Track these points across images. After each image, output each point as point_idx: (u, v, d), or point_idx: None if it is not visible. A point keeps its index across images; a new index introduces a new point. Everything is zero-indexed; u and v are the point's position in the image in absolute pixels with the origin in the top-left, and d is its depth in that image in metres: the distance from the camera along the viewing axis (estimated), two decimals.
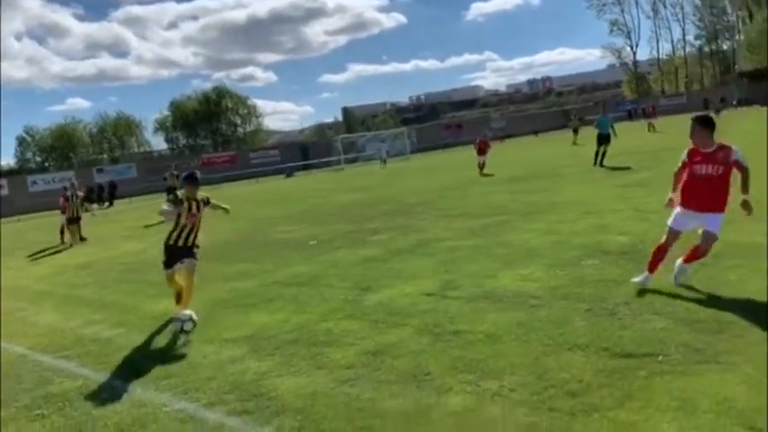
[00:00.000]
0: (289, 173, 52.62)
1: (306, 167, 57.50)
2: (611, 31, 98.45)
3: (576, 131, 35.11)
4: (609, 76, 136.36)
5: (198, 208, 6.84)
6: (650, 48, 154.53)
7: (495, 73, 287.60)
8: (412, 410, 3.84)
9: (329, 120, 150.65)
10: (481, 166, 22.68)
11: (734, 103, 59.29)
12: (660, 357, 4.12)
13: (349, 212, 16.15)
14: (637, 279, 5.76)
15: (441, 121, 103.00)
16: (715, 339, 4.30)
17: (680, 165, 5.66)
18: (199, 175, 6.93)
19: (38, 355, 6.37)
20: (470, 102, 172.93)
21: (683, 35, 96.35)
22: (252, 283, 8.52)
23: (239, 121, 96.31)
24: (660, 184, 13.15)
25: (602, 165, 18.55)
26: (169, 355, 5.72)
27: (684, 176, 5.65)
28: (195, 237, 6.88)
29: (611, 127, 19.93)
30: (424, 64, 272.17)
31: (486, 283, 6.71)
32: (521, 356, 4.48)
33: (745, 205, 5.28)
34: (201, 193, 7.03)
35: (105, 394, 4.90)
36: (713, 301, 5.11)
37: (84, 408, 4.66)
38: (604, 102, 51.11)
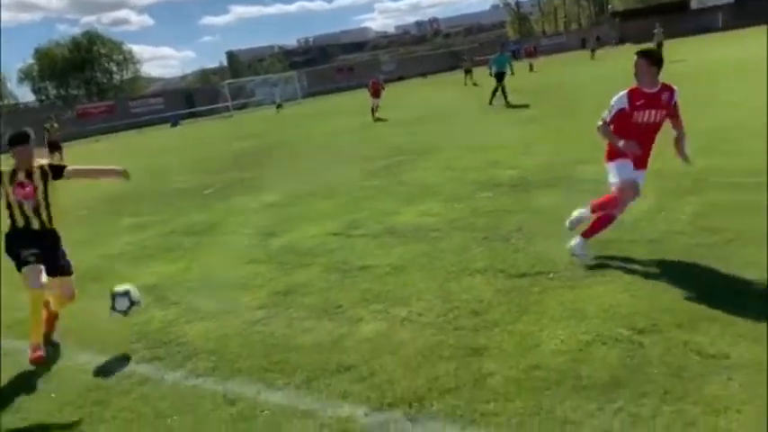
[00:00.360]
0: (174, 122, 50.05)
1: (192, 115, 55.00)
2: None
3: (468, 72, 35.70)
4: (493, 18, 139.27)
5: (33, 177, 4.52)
6: None
7: (382, 14, 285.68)
8: (326, 342, 3.95)
9: (213, 65, 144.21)
10: (374, 110, 22.01)
11: (614, 42, 62.09)
12: (551, 275, 4.48)
13: (244, 159, 15.77)
14: (580, 252, 4.71)
15: (331, 65, 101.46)
16: (599, 254, 4.71)
17: (614, 111, 4.51)
18: (31, 133, 4.67)
19: None
20: (360, 44, 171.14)
21: None
22: (148, 234, 8.23)
23: (115, 69, 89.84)
24: (545, 119, 13.88)
25: (506, 101, 18.56)
26: (67, 312, 5.47)
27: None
28: (49, 215, 4.57)
29: (509, 65, 20.30)
30: (310, 5, 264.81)
31: (388, 220, 6.89)
32: (426, 284, 4.71)
33: (687, 159, 4.67)
34: (41, 160, 4.79)
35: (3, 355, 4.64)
36: None
37: None
38: (502, 42, 52.12)
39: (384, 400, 3.13)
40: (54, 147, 20.65)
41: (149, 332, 4.60)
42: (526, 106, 17.12)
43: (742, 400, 2.70)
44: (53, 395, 3.81)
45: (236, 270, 5.91)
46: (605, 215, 4.69)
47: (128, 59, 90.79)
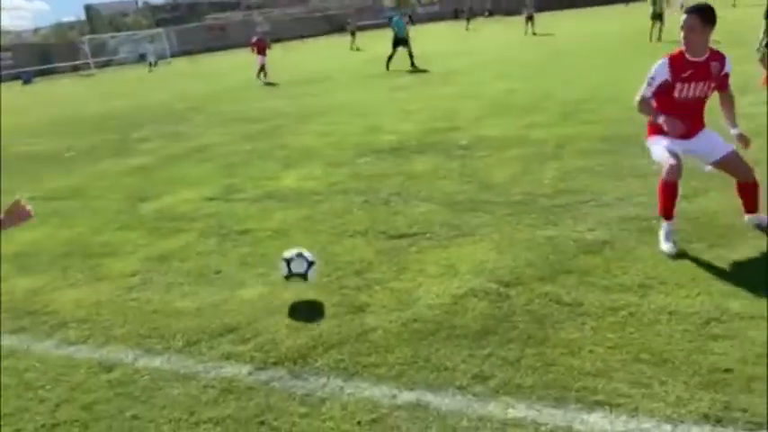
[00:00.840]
0: (26, 79, 45.65)
1: (47, 72, 50.47)
2: None
3: (353, 35, 35.49)
4: None
5: None
6: None
7: None
8: (206, 306, 3.91)
9: (70, 18, 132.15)
10: (263, 69, 20.35)
11: (485, 14, 63.89)
12: (428, 235, 4.69)
13: (110, 121, 14.80)
14: (665, 246, 3.89)
15: (202, 23, 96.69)
16: (471, 217, 5.00)
17: (655, 84, 3.85)
18: None
19: None
20: (232, 3, 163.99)
21: None
22: (4, 200, 7.54)
23: None
24: (420, 86, 14.23)
25: (413, 65, 18.09)
26: None
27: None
28: None
29: (405, 29, 19.44)
30: None
31: (269, 184, 6.83)
32: (309, 246, 4.70)
33: (742, 138, 3.95)
34: None
35: None
36: (468, 187, 5.86)
37: None
38: (429, 3, 50.87)
39: (268, 360, 3.18)
40: None
41: (11, 302, 4.29)
42: (406, 74, 17.41)
43: (594, 341, 3.03)
44: None
45: (106, 236, 5.63)
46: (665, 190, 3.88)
47: None
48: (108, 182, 7.94)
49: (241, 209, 6.03)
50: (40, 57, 55.74)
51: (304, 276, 3.83)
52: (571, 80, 12.10)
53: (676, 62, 3.75)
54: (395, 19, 19.85)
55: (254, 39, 22.17)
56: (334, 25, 75.19)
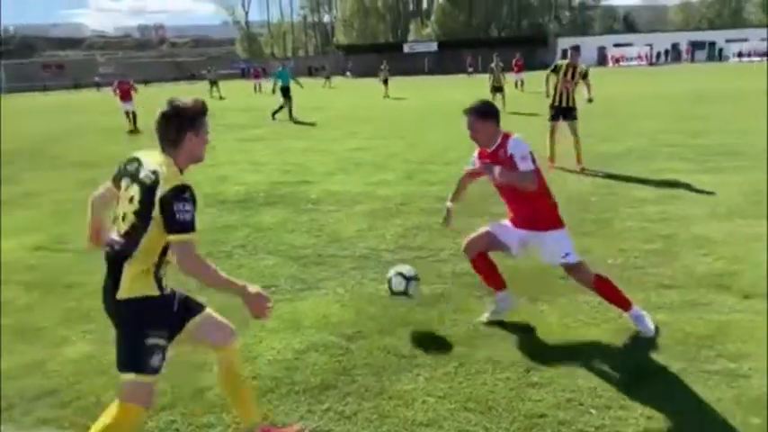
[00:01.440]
0: None
1: None
2: None
3: (213, 84, 34.56)
4: (223, 33, 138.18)
5: None
6: (261, 10, 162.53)
7: (99, 12, 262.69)
8: (26, 365, 3.57)
9: None
10: (130, 117, 17.46)
11: (348, 74, 64.43)
12: (272, 288, 4.67)
13: None
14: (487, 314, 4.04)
15: (37, 59, 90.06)
16: (317, 271, 5.07)
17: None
18: None
19: None
20: (74, 41, 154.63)
21: (291, 3, 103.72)
22: None
23: None
24: (272, 140, 14.29)
25: (291, 118, 18.48)
26: None
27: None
28: None
29: (293, 79, 19.81)
30: None
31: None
32: None
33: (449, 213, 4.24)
34: None
35: None
36: (315, 240, 5.94)
37: None
38: (283, 58, 50.61)
39: (90, 423, 2.95)
40: None
41: None
42: (255, 125, 17.39)
43: (427, 391, 3.18)
44: None
45: None
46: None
47: None
48: None
49: (68, 260, 5.61)
50: None
51: (405, 293, 3.97)
52: (417, 142, 12.81)
53: (482, 152, 3.87)
54: (279, 70, 19.89)
55: (116, 81, 18.83)
56: (184, 72, 73.60)
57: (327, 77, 44.16)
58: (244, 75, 68.43)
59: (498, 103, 19.02)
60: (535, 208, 3.75)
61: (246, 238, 6.10)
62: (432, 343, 3.72)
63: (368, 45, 76.82)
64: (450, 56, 64.32)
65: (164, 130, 2.47)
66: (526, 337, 3.77)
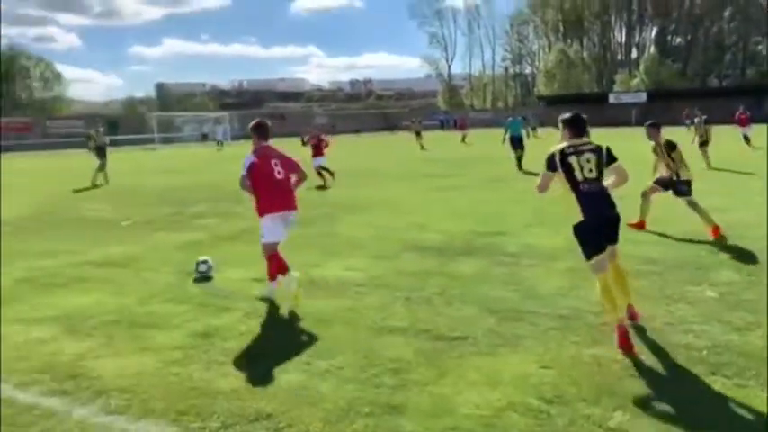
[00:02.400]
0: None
1: (113, 143, 53.22)
2: (431, 42, 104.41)
3: (418, 134, 35.22)
4: (425, 86, 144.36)
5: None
6: (464, 63, 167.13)
7: (318, 68, 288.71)
8: (243, 388, 3.93)
9: (140, 94, 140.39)
10: (322, 171, 16.65)
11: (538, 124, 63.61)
12: (470, 340, 4.66)
13: (169, 195, 15.44)
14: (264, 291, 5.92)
15: (264, 110, 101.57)
16: (515, 326, 4.95)
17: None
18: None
19: None
20: (295, 94, 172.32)
21: (493, 55, 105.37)
22: (60, 261, 7.87)
23: (36, 86, 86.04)
24: (469, 189, 14.46)
25: (520, 168, 18.03)
26: None
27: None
28: None
29: (528, 128, 19.00)
30: (246, 50, 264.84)
31: (312, 271, 6.94)
32: (348, 338, 4.78)
33: None
34: None
35: None
36: (513, 294, 5.84)
37: None
38: (482, 110, 51.72)
39: None
40: (101, 152, 19.84)
41: (58, 364, 4.40)
42: (454, 174, 17.78)
43: None
44: None
45: (154, 307, 5.77)
46: None
47: (55, 79, 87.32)
48: (161, 254, 8.20)
49: (283, 292, 6.12)
50: (109, 128, 59.09)
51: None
52: (624, 195, 12.09)
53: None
54: (510, 120, 19.77)
55: (310, 134, 17.99)
56: (390, 123, 77.83)
57: (534, 128, 43.61)
58: (442, 126, 70.63)
59: (704, 159, 17.41)
60: None
61: (443, 285, 6.18)
62: (646, 418, 3.41)
63: (571, 95, 75.11)
64: (661, 107, 60.30)
65: None
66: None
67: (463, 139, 37.75)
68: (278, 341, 4.77)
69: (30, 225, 11.09)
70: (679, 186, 8.24)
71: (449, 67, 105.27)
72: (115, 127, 59.55)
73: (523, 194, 13.10)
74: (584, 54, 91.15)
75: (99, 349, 4.70)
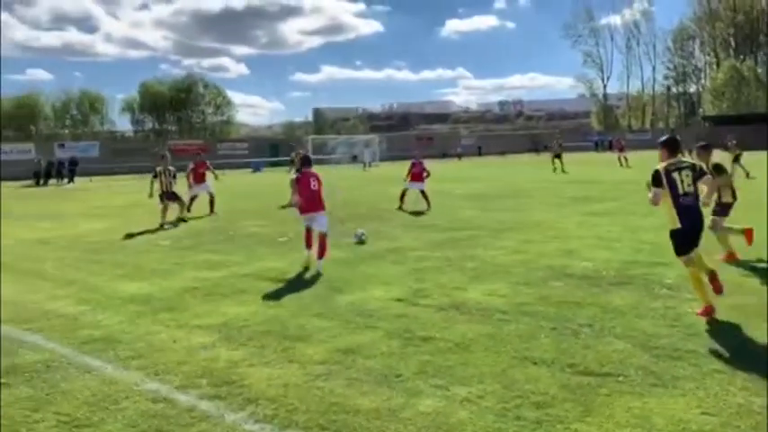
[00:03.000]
0: (256, 167, 52.14)
1: (274, 164, 57.11)
2: (585, 62, 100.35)
3: (557, 157, 32.51)
4: (578, 106, 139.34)
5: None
6: (620, 83, 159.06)
7: (466, 90, 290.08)
8: (383, 409, 3.96)
9: (299, 118, 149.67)
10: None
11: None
12: (620, 377, 4.35)
13: None
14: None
15: (412, 132, 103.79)
16: (672, 365, 4.55)
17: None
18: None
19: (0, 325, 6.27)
20: (443, 116, 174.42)
21: (653, 74, 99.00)
22: (222, 273, 8.53)
23: (210, 111, 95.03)
24: (623, 214, 13.63)
25: None
26: (138, 336, 5.72)
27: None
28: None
29: None
30: (397, 74, 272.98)
31: (455, 294, 6.90)
32: (489, 366, 4.66)
33: None
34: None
35: (74, 369, 4.88)
36: (670, 331, 5.38)
37: (52, 381, 4.65)
38: (641, 130, 48.56)
39: None
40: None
41: (214, 370, 4.74)
42: (607, 198, 16.89)
43: None
44: (119, 416, 3.96)
45: (302, 321, 6.04)
46: None
47: (226, 104, 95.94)
48: (312, 270, 8.58)
49: (425, 315, 6.14)
50: (270, 149, 63.53)
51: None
52: None
53: None
54: None
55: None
56: (538, 144, 75.96)
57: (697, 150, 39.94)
58: (597, 147, 67.68)
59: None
60: None
61: (593, 317, 5.84)
62: None
63: (741, 115, 68.62)
64: None
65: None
66: None
67: (621, 161, 35.02)
68: (417, 363, 4.77)
69: (202, 239, 12.16)
70: (716, 206, 8.30)
71: (604, 86, 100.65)
72: (276, 149, 63.97)
73: None
74: (760, 70, 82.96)
75: (251, 358, 5.00)
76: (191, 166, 17.89)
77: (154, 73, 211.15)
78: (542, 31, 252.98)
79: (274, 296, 7.10)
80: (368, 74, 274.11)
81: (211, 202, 16.94)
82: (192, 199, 16.78)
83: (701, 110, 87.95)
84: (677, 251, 5.92)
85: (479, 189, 21.22)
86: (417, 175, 17.10)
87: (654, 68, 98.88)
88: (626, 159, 34.45)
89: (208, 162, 18.36)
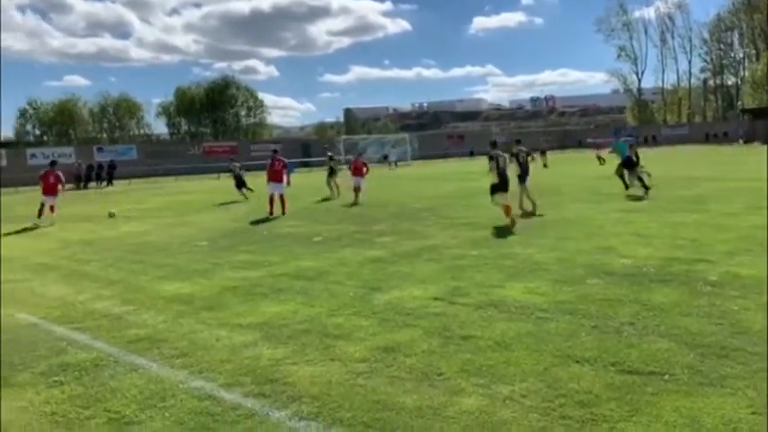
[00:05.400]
0: (291, 169, 52.58)
1: (306, 165, 57.54)
2: (619, 56, 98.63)
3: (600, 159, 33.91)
4: (612, 101, 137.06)
5: None
6: (655, 77, 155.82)
7: (496, 87, 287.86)
8: (426, 407, 3.97)
9: (330, 119, 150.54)
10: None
11: (742, 140, 57.56)
12: (666, 376, 4.27)
13: (353, 213, 16.29)
14: None
15: (442, 131, 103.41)
16: (719, 364, 4.46)
17: None
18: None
19: (49, 324, 6.46)
20: (473, 114, 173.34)
21: (689, 67, 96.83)
22: (260, 273, 8.64)
23: (243, 113, 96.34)
24: (660, 211, 13.37)
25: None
26: (182, 335, 5.83)
27: None
28: None
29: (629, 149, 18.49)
30: (426, 72, 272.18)
31: (493, 292, 6.86)
32: (531, 365, 4.63)
33: None
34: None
35: (121, 367, 5.00)
36: (716, 329, 5.26)
37: (101, 379, 4.77)
38: (677, 124, 49.43)
39: None
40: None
41: (258, 368, 4.80)
42: (644, 197, 16.60)
43: None
44: (167, 414, 4.05)
45: (341, 319, 6.07)
46: None
47: (258, 106, 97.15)
48: (347, 269, 8.63)
49: (464, 313, 6.12)
50: (302, 150, 63.99)
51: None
52: None
53: None
54: (618, 143, 19.48)
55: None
56: (572, 140, 75.01)
57: (745, 141, 39.25)
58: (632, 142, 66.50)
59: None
60: None
61: (636, 315, 5.75)
62: None
63: None
64: None
65: None
66: None
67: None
68: (458, 361, 4.76)
69: (238, 239, 12.33)
70: None
71: (639, 80, 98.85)
72: (307, 149, 64.42)
73: (724, 218, 11.84)
74: None
75: (293, 356, 5.05)
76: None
77: (186, 76, 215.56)
78: (572, 27, 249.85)
79: (312, 295, 7.16)
80: (397, 73, 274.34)
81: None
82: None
83: (739, 102, 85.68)
84: None
85: (512, 187, 20.99)
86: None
87: (690, 61, 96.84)
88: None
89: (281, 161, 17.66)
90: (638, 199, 15.90)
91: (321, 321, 6.05)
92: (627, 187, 17.72)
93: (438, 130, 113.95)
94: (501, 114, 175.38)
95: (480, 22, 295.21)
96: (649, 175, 17.81)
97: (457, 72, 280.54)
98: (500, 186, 12.38)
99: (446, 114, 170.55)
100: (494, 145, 12.88)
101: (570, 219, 12.72)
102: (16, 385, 4.73)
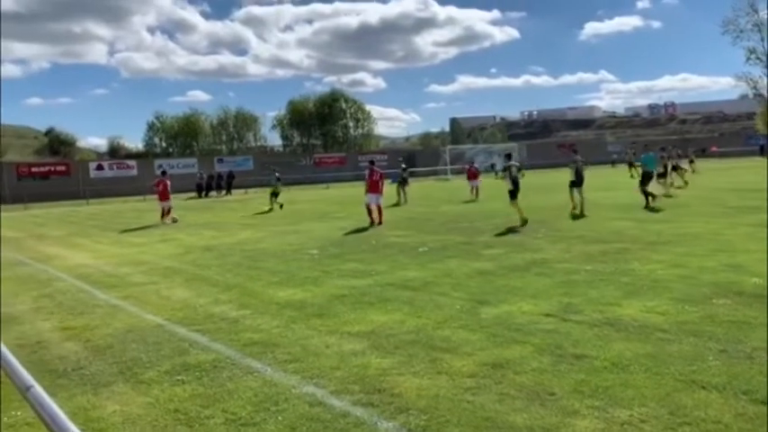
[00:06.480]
0: (394, 180, 53.13)
1: (411, 175, 57.91)
2: (748, 59, 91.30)
3: (631, 165, 33.13)
4: (739, 108, 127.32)
5: None
6: None
7: (610, 94, 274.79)
8: (537, 427, 3.83)
9: (435, 129, 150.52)
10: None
11: None
12: None
13: (459, 223, 16.19)
14: None
15: (552, 139, 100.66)
16: None
17: None
18: None
19: (173, 326, 6.90)
20: (586, 122, 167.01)
21: None
22: (367, 282, 8.77)
23: (352, 125, 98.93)
24: None
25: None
26: (294, 341, 6.02)
27: None
28: None
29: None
30: (535, 80, 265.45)
31: (608, 310, 6.54)
32: (650, 389, 4.36)
33: None
34: None
35: (238, 370, 5.24)
36: None
37: (219, 380, 5.02)
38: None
39: None
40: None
41: (366, 377, 4.86)
42: None
43: None
44: (280, 418, 4.19)
45: (447, 332, 6.03)
46: None
47: (366, 118, 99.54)
48: (453, 280, 8.57)
49: (578, 331, 5.87)
50: (407, 161, 64.45)
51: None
52: None
53: None
54: (648, 155, 19.10)
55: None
56: (696, 149, 70.32)
57: None
58: (762, 152, 61.53)
59: None
60: None
61: None
62: None
63: None
64: None
65: None
66: None
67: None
68: (571, 381, 4.57)
69: (346, 248, 12.61)
70: None
71: None
72: (412, 160, 64.83)
73: None
74: None
75: (400, 367, 5.06)
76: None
77: (299, 90, 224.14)
78: (694, 29, 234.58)
79: (418, 306, 7.16)
80: (504, 81, 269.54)
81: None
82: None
83: None
84: None
85: (628, 198, 20.03)
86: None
87: None
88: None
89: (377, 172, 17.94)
90: None
91: (428, 333, 6.03)
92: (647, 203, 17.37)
93: (547, 138, 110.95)
94: (616, 122, 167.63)
95: (593, 27, 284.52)
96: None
97: (568, 79, 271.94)
98: (514, 193, 15.18)
99: (557, 123, 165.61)
100: (508, 157, 16.47)
101: (694, 233, 11.91)
102: (144, 382, 5.08)
